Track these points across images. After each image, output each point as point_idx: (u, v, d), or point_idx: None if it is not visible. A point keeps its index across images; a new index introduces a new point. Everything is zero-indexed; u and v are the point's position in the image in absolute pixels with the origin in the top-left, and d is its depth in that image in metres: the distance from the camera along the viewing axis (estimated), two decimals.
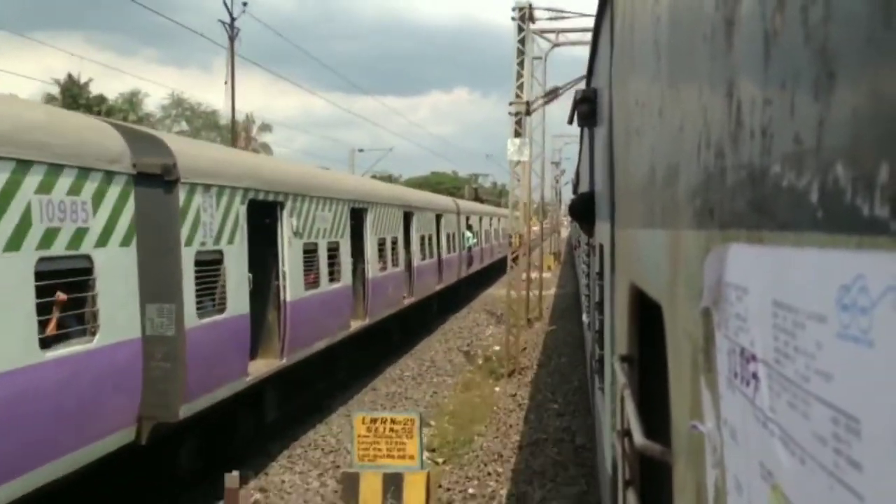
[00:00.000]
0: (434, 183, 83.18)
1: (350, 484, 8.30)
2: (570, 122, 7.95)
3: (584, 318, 11.12)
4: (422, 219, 21.83)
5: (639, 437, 2.04)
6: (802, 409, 0.81)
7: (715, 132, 1.22)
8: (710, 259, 1.21)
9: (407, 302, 19.71)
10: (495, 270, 36.71)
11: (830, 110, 0.76)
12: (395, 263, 18.39)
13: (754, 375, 0.98)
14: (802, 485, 0.81)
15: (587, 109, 6.33)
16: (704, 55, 1.30)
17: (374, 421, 8.29)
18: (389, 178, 59.59)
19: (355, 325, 15.19)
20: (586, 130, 8.10)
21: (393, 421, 8.29)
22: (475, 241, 31.72)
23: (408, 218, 20.15)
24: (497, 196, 77.67)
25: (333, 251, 13.63)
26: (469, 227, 30.10)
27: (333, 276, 13.65)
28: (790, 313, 0.85)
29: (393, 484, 8.14)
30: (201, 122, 55.97)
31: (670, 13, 1.77)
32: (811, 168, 0.80)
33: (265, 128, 56.83)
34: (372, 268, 16.30)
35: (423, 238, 21.80)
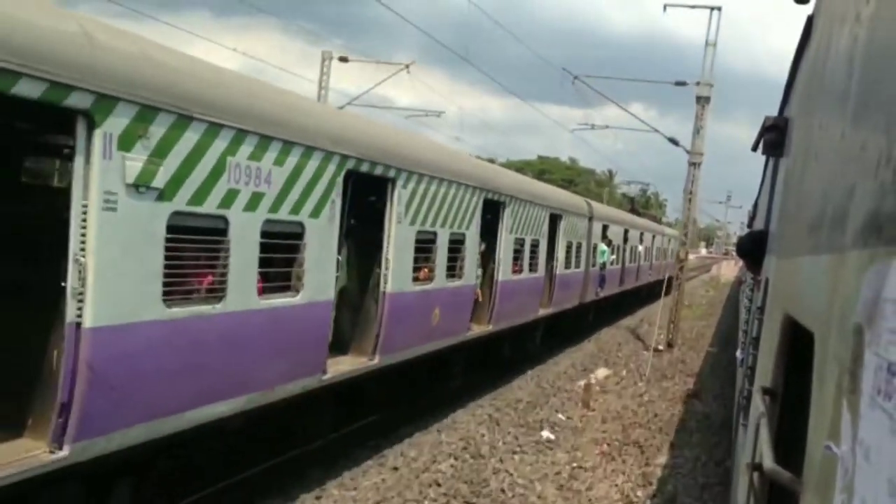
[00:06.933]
0: (539, 170, 71.91)
1: None
2: (755, 149, 7.47)
3: (738, 353, 10.67)
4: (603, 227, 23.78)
5: (769, 462, 1.98)
6: None
7: None
8: (871, 275, 1.17)
9: (577, 302, 20.94)
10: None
11: None
12: (577, 265, 19.99)
13: None
14: None
15: (775, 138, 5.96)
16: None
17: None
18: (492, 162, 48.12)
19: (543, 311, 17.43)
20: (770, 163, 7.61)
21: None
22: (612, 258, 25.20)
23: (591, 225, 21.45)
24: (643, 206, 59.93)
25: (535, 248, 16.09)
26: (607, 241, 24.19)
27: (532, 267, 16.12)
28: None
29: None
30: None
31: (866, 46, 1.70)
32: None
33: None
34: (560, 266, 18.39)
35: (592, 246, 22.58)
